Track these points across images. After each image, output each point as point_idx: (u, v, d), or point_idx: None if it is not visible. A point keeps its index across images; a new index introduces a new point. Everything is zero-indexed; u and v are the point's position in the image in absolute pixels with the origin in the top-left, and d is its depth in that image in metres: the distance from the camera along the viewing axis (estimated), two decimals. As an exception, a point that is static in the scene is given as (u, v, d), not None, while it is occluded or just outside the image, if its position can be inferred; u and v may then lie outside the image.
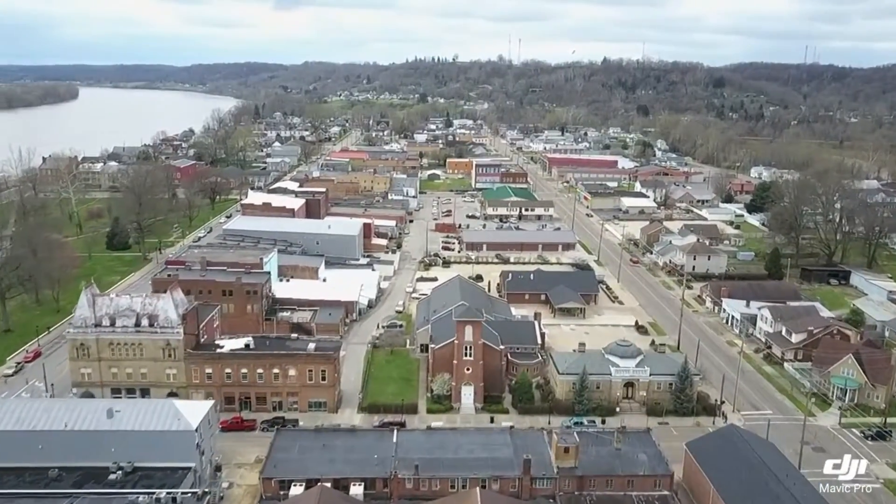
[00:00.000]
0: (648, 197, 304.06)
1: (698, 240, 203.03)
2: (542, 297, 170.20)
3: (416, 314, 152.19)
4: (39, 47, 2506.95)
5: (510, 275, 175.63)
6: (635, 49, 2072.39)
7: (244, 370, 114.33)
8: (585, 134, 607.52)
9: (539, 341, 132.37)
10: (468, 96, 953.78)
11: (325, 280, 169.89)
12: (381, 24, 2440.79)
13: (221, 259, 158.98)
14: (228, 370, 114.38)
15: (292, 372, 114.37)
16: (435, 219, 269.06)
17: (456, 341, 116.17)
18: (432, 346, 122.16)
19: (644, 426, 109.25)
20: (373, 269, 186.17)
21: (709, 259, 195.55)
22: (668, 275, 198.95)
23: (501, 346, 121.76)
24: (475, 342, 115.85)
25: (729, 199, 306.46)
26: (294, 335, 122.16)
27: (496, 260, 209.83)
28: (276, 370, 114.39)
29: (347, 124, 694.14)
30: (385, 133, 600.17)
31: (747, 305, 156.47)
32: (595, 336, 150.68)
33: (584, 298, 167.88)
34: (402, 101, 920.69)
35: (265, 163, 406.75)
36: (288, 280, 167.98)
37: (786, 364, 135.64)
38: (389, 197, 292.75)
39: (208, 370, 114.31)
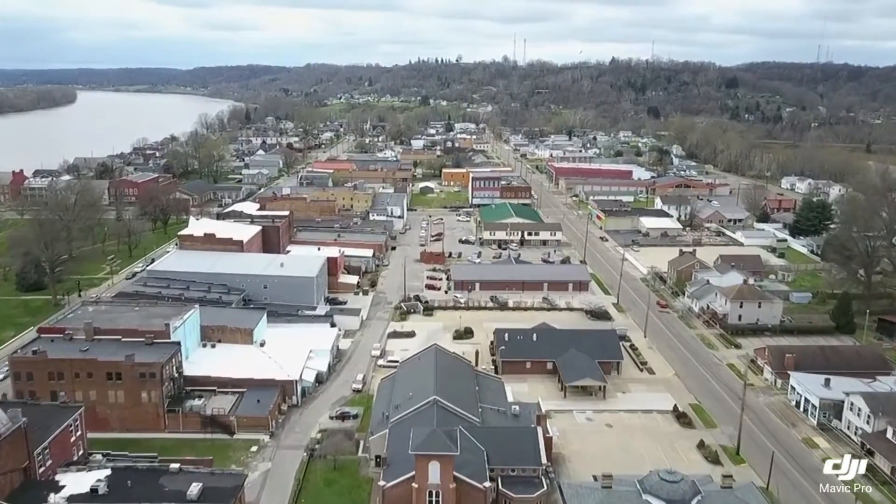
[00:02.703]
0: (671, 216, 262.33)
1: (745, 281, 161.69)
2: (549, 365, 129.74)
3: (375, 402, 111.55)
4: (44, 52, 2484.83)
5: (506, 335, 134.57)
6: (643, 49, 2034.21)
7: (88, 530, 74.26)
8: (594, 139, 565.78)
9: (543, 458, 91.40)
10: (471, 98, 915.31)
11: (262, 344, 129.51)
12: (386, 26, 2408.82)
13: (117, 324, 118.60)
14: (64, 530, 74.30)
15: (163, 533, 74.19)
16: (422, 244, 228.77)
17: (416, 484, 75.76)
18: (382, 482, 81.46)
19: None
20: (332, 325, 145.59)
21: (759, 307, 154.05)
22: (707, 326, 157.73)
23: (487, 484, 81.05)
24: (444, 486, 75.45)
25: (764, 218, 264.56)
26: (175, 467, 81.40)
27: (491, 304, 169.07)
28: (137, 530, 74.22)
29: (341, 129, 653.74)
30: (380, 139, 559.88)
31: (826, 385, 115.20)
32: (621, 431, 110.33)
33: (604, 368, 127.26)
34: (403, 103, 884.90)
35: (241, 175, 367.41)
36: (213, 345, 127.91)
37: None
38: (371, 217, 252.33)
39: (32, 531, 74.22)
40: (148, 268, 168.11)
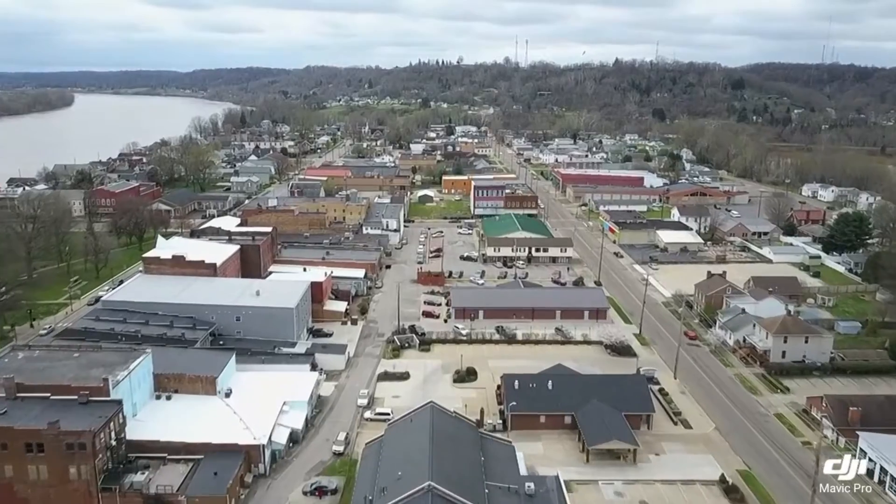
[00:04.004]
0: (691, 229, 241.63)
1: (788, 311, 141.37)
2: (567, 419, 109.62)
3: (358, 474, 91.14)
4: (44, 55, 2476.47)
5: (516, 382, 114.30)
6: (647, 51, 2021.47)
7: None
8: (600, 142, 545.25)
9: (569, 566, 71.52)
10: (473, 101, 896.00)
11: (228, 394, 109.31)
12: (386, 28, 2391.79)
13: (47, 376, 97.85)
14: None
15: None
16: (419, 262, 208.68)
17: None
18: None
19: None
20: (312, 367, 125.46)
21: (806, 342, 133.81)
22: (746, 364, 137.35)
23: None
24: None
25: (790, 231, 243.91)
26: None
27: (497, 336, 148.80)
28: None
29: (339, 133, 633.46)
30: (378, 143, 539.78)
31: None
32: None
33: (633, 421, 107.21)
34: (403, 105, 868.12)
35: (230, 182, 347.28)
36: (169, 397, 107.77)
37: None
38: (365, 231, 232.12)
39: None
40: (102, 298, 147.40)
